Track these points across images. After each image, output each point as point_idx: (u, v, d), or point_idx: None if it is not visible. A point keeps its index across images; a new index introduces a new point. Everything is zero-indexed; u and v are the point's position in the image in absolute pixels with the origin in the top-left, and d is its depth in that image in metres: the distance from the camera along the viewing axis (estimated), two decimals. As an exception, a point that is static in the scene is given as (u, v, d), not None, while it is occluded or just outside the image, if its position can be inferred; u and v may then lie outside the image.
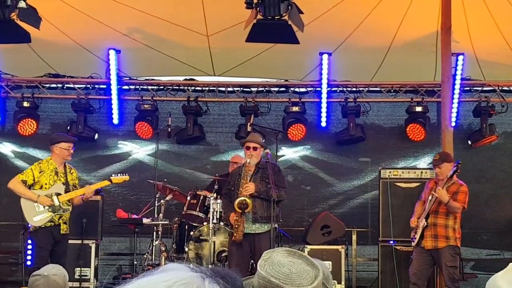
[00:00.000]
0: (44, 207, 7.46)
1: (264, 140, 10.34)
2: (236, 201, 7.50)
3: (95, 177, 10.69)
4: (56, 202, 7.52)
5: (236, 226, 7.52)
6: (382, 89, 10.80)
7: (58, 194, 7.56)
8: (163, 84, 10.94)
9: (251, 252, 7.61)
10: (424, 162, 10.71)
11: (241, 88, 10.91)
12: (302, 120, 10.52)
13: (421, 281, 7.69)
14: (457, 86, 9.98)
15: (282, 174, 8.01)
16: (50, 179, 7.60)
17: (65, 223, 7.68)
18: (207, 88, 10.92)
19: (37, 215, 7.47)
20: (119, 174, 8.17)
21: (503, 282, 1.55)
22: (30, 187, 7.57)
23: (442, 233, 7.58)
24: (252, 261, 7.61)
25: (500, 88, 10.61)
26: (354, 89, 10.74)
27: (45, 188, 7.57)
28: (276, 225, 7.64)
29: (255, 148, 7.73)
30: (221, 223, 8.43)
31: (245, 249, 7.58)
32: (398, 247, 9.04)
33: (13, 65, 10.46)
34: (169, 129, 9.93)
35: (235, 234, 7.54)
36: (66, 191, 7.65)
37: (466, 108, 10.61)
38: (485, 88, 10.68)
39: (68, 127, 10.53)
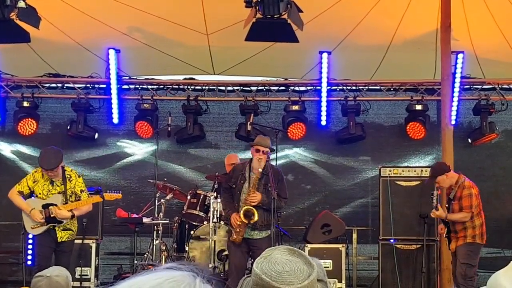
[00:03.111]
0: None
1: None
2: (243, 210, 7.43)
3: (95, 176, 10.69)
4: (52, 214, 7.47)
5: (238, 230, 7.50)
6: (382, 87, 10.80)
7: (54, 205, 7.51)
8: (163, 83, 10.94)
9: (249, 251, 7.62)
10: (424, 160, 10.71)
11: (241, 87, 10.91)
12: (302, 119, 10.51)
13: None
14: (457, 84, 9.97)
15: (285, 183, 7.92)
16: (44, 189, 7.54)
17: (63, 229, 7.59)
18: (207, 87, 10.92)
19: (34, 225, 7.51)
20: (111, 191, 8.08)
21: (505, 280, 1.55)
22: (31, 194, 7.59)
23: (461, 234, 7.69)
24: (251, 259, 7.61)
25: (500, 86, 10.61)
26: (354, 87, 10.74)
27: (40, 197, 7.56)
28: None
29: (264, 152, 7.59)
30: (221, 222, 8.42)
31: (243, 248, 7.60)
32: (398, 246, 9.05)
33: (13, 65, 10.46)
34: (169, 129, 9.93)
35: (235, 236, 7.52)
36: (64, 201, 7.59)
37: (466, 106, 10.60)
38: (485, 86, 10.68)
39: (68, 127, 10.54)
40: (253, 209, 7.43)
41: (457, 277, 7.61)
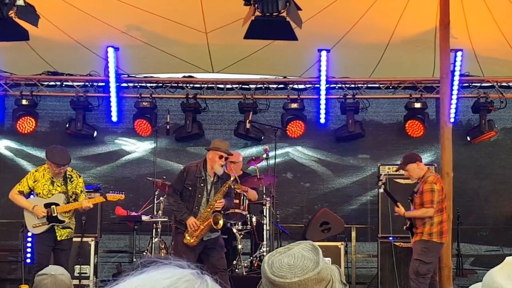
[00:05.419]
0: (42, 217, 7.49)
1: (263, 137, 10.42)
2: (214, 217, 7.37)
3: (94, 174, 10.69)
4: (54, 213, 7.50)
5: (199, 235, 7.40)
6: (381, 85, 10.80)
7: (56, 205, 7.53)
8: (162, 81, 10.93)
9: (203, 250, 7.59)
10: (423, 158, 10.66)
11: (240, 85, 10.90)
12: (301, 117, 10.51)
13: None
14: (456, 82, 9.98)
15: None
16: (45, 189, 7.57)
17: (63, 228, 7.61)
18: (205, 85, 10.92)
19: (36, 224, 7.53)
20: (114, 192, 8.11)
21: (500, 277, 1.55)
22: (30, 193, 7.61)
23: (419, 230, 7.67)
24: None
25: (498, 84, 10.60)
26: (352, 85, 10.74)
27: (41, 196, 7.57)
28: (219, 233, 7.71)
29: (226, 158, 7.61)
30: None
31: (197, 249, 7.52)
32: (397, 244, 9.06)
33: (11, 63, 10.45)
34: (168, 127, 9.93)
35: (190, 240, 7.40)
36: (66, 201, 7.61)
37: (465, 104, 10.61)
38: (483, 84, 10.67)
39: (67, 125, 10.54)
40: (221, 215, 7.46)
41: (409, 272, 7.62)
